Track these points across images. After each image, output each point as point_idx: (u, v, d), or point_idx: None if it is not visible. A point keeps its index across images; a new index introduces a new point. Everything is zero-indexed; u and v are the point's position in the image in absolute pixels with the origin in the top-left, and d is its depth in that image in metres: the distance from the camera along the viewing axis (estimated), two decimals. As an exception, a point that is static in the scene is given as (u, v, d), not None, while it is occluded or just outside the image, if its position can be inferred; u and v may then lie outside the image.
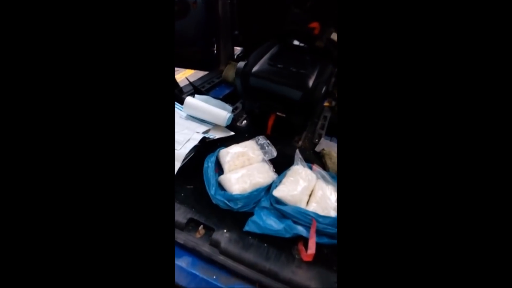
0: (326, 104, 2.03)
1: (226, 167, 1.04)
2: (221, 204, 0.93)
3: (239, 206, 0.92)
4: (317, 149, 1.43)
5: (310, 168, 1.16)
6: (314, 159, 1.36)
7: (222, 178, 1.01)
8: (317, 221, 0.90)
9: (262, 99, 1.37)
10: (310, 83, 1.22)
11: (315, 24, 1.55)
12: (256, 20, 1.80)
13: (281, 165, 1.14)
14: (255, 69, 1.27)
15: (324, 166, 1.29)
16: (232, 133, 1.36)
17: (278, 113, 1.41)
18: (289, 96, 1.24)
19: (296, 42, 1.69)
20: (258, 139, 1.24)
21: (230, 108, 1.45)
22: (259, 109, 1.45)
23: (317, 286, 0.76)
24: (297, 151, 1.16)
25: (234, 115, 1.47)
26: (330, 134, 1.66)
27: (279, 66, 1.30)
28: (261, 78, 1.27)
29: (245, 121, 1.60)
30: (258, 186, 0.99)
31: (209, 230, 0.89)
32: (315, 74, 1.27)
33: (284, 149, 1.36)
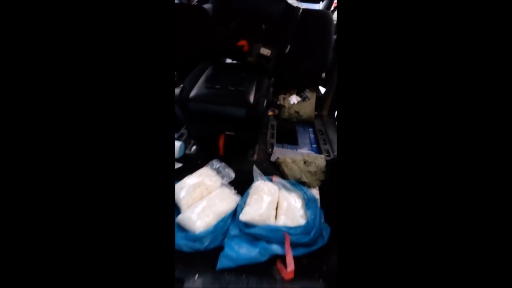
0: (270, 113, 2.11)
1: (182, 204, 0.94)
2: (185, 249, 0.82)
3: (206, 244, 0.83)
4: (272, 158, 1.44)
5: (271, 180, 1.15)
6: (271, 169, 1.36)
7: (181, 218, 0.89)
8: (290, 234, 0.88)
9: (207, 122, 1.32)
10: (251, 98, 1.23)
11: (243, 42, 1.60)
12: (185, 42, 1.76)
13: (242, 184, 1.10)
14: (193, 94, 1.22)
15: (282, 175, 1.30)
16: (180, 164, 1.26)
17: (227, 133, 1.38)
18: (234, 115, 1.23)
19: (228, 60, 1.71)
20: (213, 164, 1.18)
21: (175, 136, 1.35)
22: (206, 132, 1.39)
23: (305, 300, 0.74)
24: (254, 166, 1.14)
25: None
26: (280, 142, 1.71)
27: (217, 87, 1.28)
28: (201, 102, 1.23)
29: (194, 147, 1.51)
30: (222, 215, 0.92)
31: (177, 282, 0.78)
32: (253, 89, 1.29)
33: (241, 166, 1.32)
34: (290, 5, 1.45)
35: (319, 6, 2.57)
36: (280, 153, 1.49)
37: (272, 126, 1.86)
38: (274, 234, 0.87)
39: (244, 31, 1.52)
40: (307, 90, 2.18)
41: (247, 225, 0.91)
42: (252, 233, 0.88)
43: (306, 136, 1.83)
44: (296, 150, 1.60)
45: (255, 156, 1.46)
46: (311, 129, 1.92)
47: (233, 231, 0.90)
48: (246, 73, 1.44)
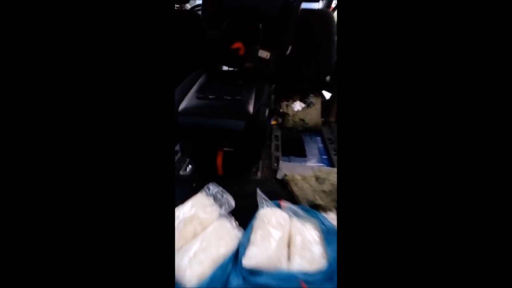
0: (273, 122, 1.93)
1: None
2: (173, 311, 0.63)
3: (200, 303, 0.64)
4: (279, 176, 1.25)
5: (279, 206, 0.96)
6: (278, 189, 1.16)
7: (169, 265, 0.71)
8: (308, 283, 0.68)
9: (201, 138, 1.14)
10: (251, 108, 1.05)
11: (238, 45, 1.44)
12: (176, 50, 1.60)
13: (244, 212, 0.90)
14: (182, 106, 1.04)
15: (291, 196, 1.11)
16: None
17: (225, 149, 1.20)
18: (232, 128, 1.05)
19: (224, 68, 1.55)
20: (209, 189, 0.99)
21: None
22: (202, 150, 1.21)
23: None
24: (258, 190, 0.95)
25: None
26: (286, 154, 1.52)
27: (211, 97, 1.10)
28: (192, 115, 1.05)
29: (189, 167, 1.33)
30: (220, 260, 0.72)
31: None
32: (253, 97, 1.12)
33: (243, 188, 1.13)
34: (288, 1, 1.29)
35: (318, 5, 2.42)
36: (287, 169, 1.29)
37: (276, 137, 1.68)
38: (288, 284, 0.67)
39: (239, 32, 1.36)
40: (311, 95, 2.00)
41: (253, 272, 0.71)
42: (259, 284, 0.68)
43: (314, 146, 1.63)
44: (305, 163, 1.41)
45: (259, 174, 1.27)
46: (319, 138, 1.72)
47: (235, 281, 0.70)
48: (244, 80, 1.27)
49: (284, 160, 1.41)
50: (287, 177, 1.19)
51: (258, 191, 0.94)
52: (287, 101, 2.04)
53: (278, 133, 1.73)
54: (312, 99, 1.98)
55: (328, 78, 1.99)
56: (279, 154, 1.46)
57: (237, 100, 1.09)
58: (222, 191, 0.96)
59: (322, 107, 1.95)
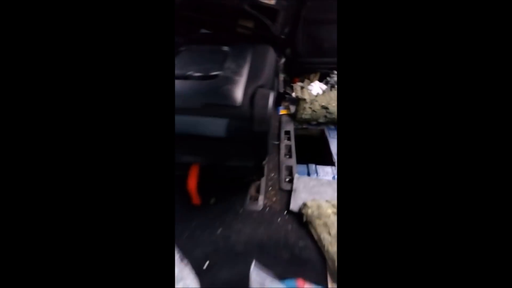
0: (282, 112, 1.41)
1: None
2: None
3: None
4: (293, 206, 0.76)
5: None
6: (294, 234, 0.68)
7: None
8: None
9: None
10: (239, 93, 0.56)
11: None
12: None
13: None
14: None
15: (318, 245, 0.63)
16: None
17: (203, 164, 0.72)
18: (206, 132, 0.57)
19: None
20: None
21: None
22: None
23: None
24: (253, 267, 0.48)
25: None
26: (304, 160, 1.02)
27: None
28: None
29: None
30: None
31: None
32: (244, 72, 0.62)
33: (233, 231, 0.66)
34: None
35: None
36: (307, 189, 0.80)
37: (287, 133, 1.17)
38: None
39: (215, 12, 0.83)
40: (335, 72, 1.46)
41: None
42: None
43: (343, 146, 1.12)
44: (334, 177, 0.91)
45: (261, 201, 0.79)
46: (349, 133, 1.20)
47: None
48: (232, 46, 0.76)
49: (301, 173, 0.91)
50: (308, 210, 0.70)
51: (253, 267, 0.46)
52: (302, 81, 1.50)
53: (290, 127, 1.21)
54: (337, 77, 1.42)
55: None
56: (292, 162, 0.97)
57: (214, 79, 0.59)
58: (185, 266, 0.49)
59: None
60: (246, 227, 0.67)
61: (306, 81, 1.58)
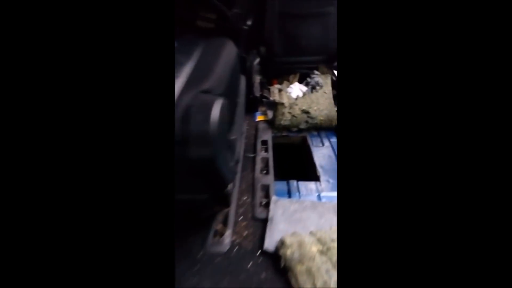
0: (259, 118, 1.25)
1: None
2: None
3: None
4: (269, 243, 0.59)
5: None
6: (267, 282, 0.52)
7: None
8: None
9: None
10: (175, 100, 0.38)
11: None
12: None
13: None
14: None
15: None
16: None
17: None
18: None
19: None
20: None
21: None
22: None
23: None
24: None
25: None
26: (284, 175, 0.86)
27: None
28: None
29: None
30: None
31: None
32: (182, 73, 0.44)
33: None
34: None
35: None
36: (286, 217, 0.64)
37: (264, 143, 1.01)
38: None
39: None
40: (316, 72, 1.33)
41: None
42: None
43: (328, 154, 0.98)
44: (319, 196, 0.76)
45: (227, 237, 0.61)
46: (335, 140, 1.06)
47: None
48: (180, 40, 0.58)
49: (280, 193, 0.75)
50: (286, 251, 0.54)
51: None
52: (280, 83, 1.36)
53: (268, 136, 1.06)
54: (318, 78, 1.30)
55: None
56: (269, 180, 0.80)
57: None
58: None
59: (334, 88, 1.28)
60: (205, 280, 0.49)
61: (285, 83, 1.43)
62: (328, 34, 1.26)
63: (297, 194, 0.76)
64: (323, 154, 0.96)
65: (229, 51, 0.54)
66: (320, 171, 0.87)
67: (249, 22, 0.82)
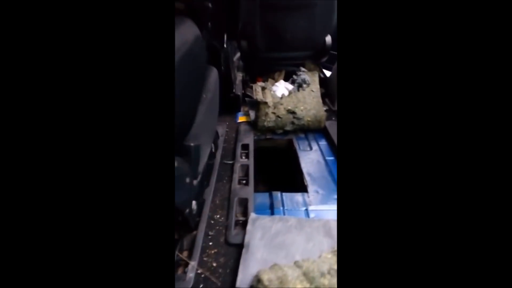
0: (241, 119, 1.13)
1: None
2: None
3: None
4: (243, 279, 0.45)
5: None
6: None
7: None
8: None
9: None
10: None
11: None
12: None
13: None
14: None
15: None
16: None
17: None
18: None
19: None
20: None
21: None
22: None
23: None
24: None
25: None
26: (267, 186, 0.73)
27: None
28: None
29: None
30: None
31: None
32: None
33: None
34: None
35: None
36: (267, 241, 0.52)
37: (245, 148, 0.89)
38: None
39: None
40: (302, 69, 1.23)
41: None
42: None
43: (317, 160, 0.87)
44: (307, 211, 0.64)
45: (191, 272, 0.48)
46: (324, 143, 0.96)
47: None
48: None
49: (261, 209, 0.63)
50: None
51: None
52: (265, 81, 1.24)
53: (250, 140, 0.94)
54: (305, 75, 1.19)
55: (329, 39, 1.21)
56: (248, 192, 0.68)
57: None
58: None
59: (322, 87, 1.19)
60: None
61: (270, 80, 1.32)
62: (314, 27, 1.16)
63: (281, 208, 0.64)
64: (311, 159, 0.85)
65: (185, 32, 0.42)
66: (307, 180, 0.75)
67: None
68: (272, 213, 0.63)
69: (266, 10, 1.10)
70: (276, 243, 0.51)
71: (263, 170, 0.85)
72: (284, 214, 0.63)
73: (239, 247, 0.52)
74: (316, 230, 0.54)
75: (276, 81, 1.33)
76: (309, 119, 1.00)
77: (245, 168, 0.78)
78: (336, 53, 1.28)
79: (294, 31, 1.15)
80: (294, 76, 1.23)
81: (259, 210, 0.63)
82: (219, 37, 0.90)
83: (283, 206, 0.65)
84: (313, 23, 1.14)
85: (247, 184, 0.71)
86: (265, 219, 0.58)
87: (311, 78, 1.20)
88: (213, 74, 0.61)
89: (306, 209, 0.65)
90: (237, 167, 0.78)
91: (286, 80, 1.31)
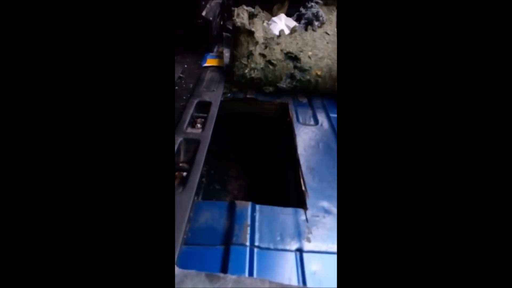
0: (209, 62, 0.71)
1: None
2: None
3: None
4: None
5: None
6: None
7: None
8: None
9: None
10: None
11: None
12: None
13: None
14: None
15: None
16: None
17: None
18: None
19: None
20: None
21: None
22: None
23: None
24: None
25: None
26: (234, 186, 0.38)
27: None
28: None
29: None
30: None
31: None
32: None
33: None
34: None
35: None
36: None
37: (203, 109, 0.50)
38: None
39: None
40: (317, 0, 0.79)
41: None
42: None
43: (326, 142, 0.50)
44: (301, 253, 0.31)
45: None
46: (335, 115, 0.58)
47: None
48: None
49: (204, 250, 0.28)
50: None
51: None
52: (253, 7, 0.79)
53: (214, 96, 0.54)
54: (318, 8, 0.77)
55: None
56: (186, 197, 0.32)
57: None
58: None
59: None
60: None
61: (265, 13, 0.88)
62: None
63: (247, 245, 0.30)
64: (315, 141, 0.49)
65: None
66: (307, 180, 0.40)
67: None
68: (226, 256, 0.28)
69: None
70: None
71: (232, 155, 0.48)
72: (254, 259, 0.28)
73: None
74: None
75: (275, 14, 0.89)
76: (319, 72, 0.61)
77: (192, 147, 0.40)
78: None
79: None
80: (302, 9, 0.81)
81: (200, 253, 0.28)
82: None
83: (252, 239, 0.31)
84: None
85: (185, 181, 0.35)
86: (198, 278, 0.23)
87: (328, 16, 0.78)
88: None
89: (300, 250, 0.31)
90: (178, 142, 0.41)
91: (288, 15, 0.87)
